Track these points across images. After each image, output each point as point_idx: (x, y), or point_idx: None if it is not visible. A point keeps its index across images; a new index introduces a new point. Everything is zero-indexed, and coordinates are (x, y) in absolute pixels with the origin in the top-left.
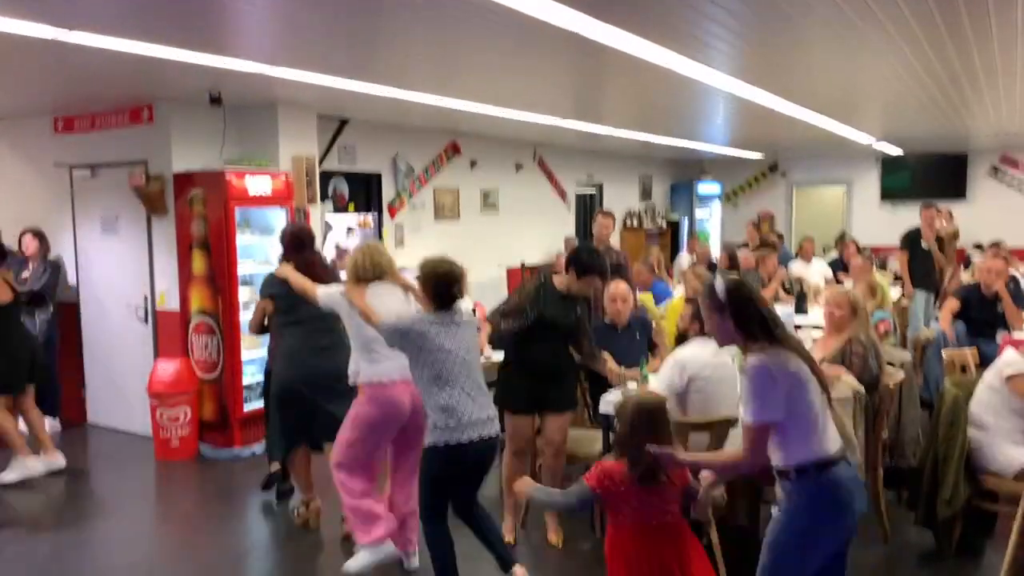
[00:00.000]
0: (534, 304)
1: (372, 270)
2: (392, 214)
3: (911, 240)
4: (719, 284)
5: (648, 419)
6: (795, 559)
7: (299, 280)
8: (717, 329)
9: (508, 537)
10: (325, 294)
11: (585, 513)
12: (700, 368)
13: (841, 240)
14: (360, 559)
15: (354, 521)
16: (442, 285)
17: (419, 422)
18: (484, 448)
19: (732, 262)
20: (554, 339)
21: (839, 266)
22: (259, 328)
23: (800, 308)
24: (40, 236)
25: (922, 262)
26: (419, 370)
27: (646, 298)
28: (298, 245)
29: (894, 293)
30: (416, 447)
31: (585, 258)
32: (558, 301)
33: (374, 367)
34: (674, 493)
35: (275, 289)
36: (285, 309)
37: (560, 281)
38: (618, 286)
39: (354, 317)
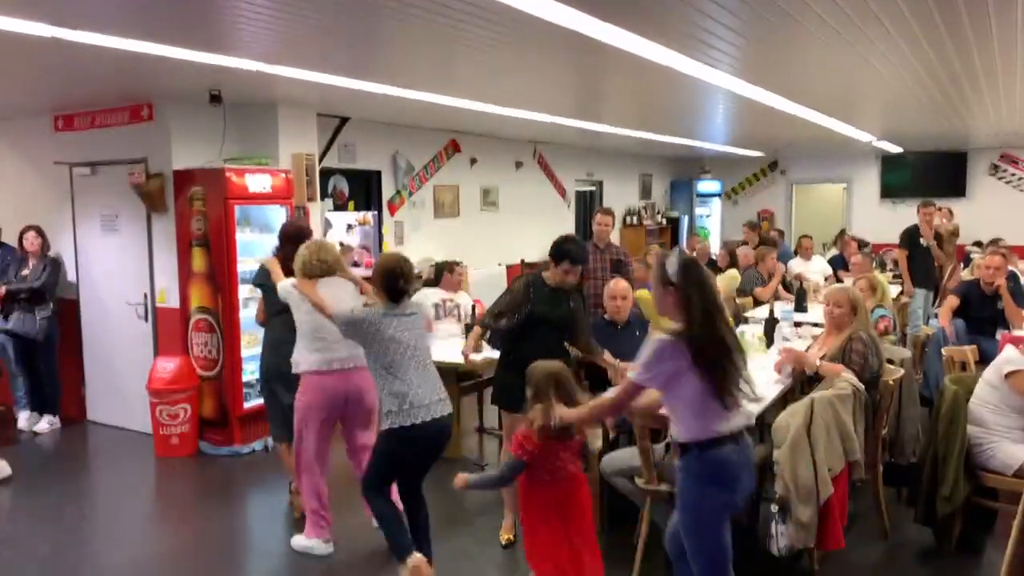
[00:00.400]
0: (524, 300)
1: (319, 267)
2: (392, 211)
3: (910, 238)
4: (672, 261)
5: (554, 382)
6: (706, 533)
7: (275, 272)
8: (659, 301)
9: (507, 535)
10: (280, 286)
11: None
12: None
13: (841, 237)
14: (303, 543)
15: (309, 516)
16: (391, 279)
17: (357, 412)
18: (436, 428)
19: (732, 259)
20: (547, 335)
21: (839, 263)
22: (263, 318)
23: (800, 306)
24: (41, 234)
25: (921, 260)
26: (372, 359)
27: (642, 295)
28: (295, 240)
29: (893, 291)
30: (361, 436)
31: (560, 244)
32: (548, 296)
33: (313, 356)
34: (576, 447)
35: (262, 279)
36: (272, 299)
37: (549, 275)
38: (617, 283)
39: (301, 309)
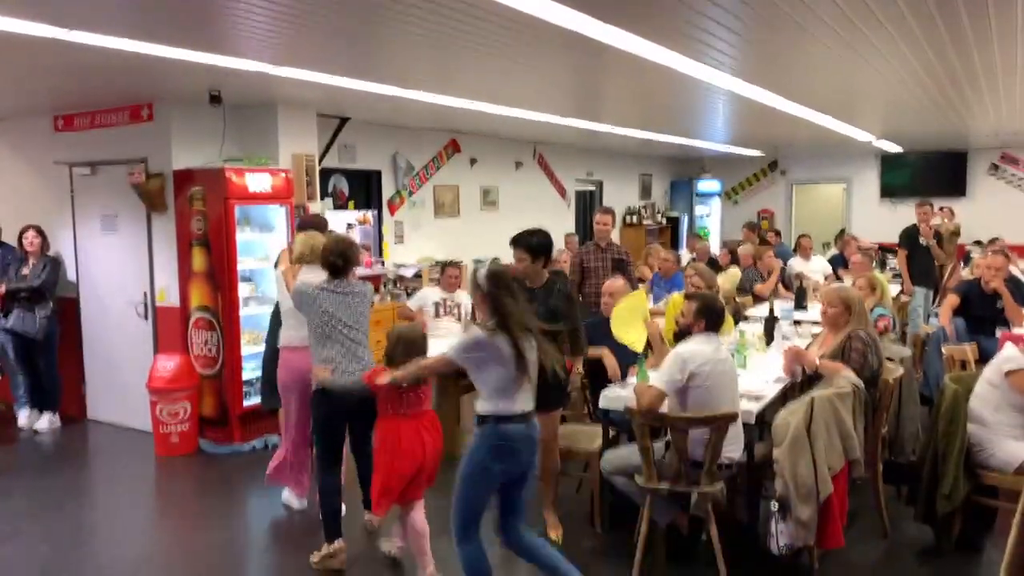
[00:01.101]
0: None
1: (309, 254)
2: (392, 211)
3: (909, 238)
4: (481, 273)
5: (406, 343)
6: (470, 488)
7: (283, 260)
8: (478, 305)
9: (553, 534)
10: (277, 271)
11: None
12: (701, 364)
13: (840, 237)
14: (289, 499)
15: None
16: (328, 256)
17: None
18: (359, 388)
19: (734, 257)
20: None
21: (839, 262)
22: None
23: (800, 305)
24: (40, 233)
25: (920, 259)
26: (310, 329)
27: (675, 299)
28: (311, 228)
29: (893, 290)
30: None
31: (517, 234)
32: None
33: (288, 332)
34: (427, 390)
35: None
36: None
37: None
38: (613, 282)
39: (282, 291)
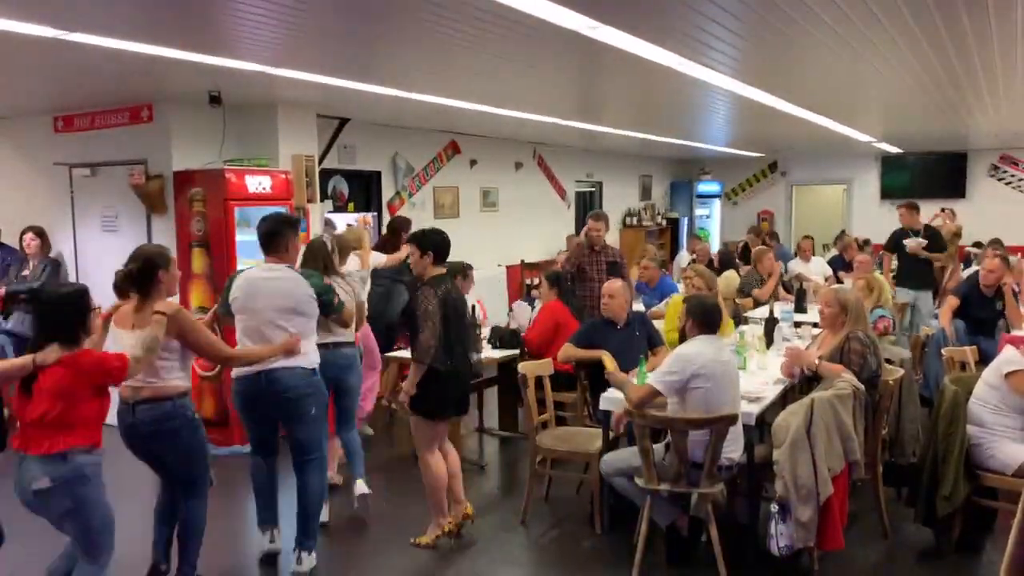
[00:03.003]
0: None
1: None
2: (392, 212)
3: (896, 241)
4: None
5: None
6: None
7: None
8: None
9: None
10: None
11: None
12: (702, 366)
13: (840, 238)
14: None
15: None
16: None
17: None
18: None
19: (724, 259)
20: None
21: (839, 263)
22: None
23: (799, 306)
24: (41, 234)
25: (908, 262)
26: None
27: (676, 300)
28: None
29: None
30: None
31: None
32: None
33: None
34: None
35: None
36: None
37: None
38: (613, 283)
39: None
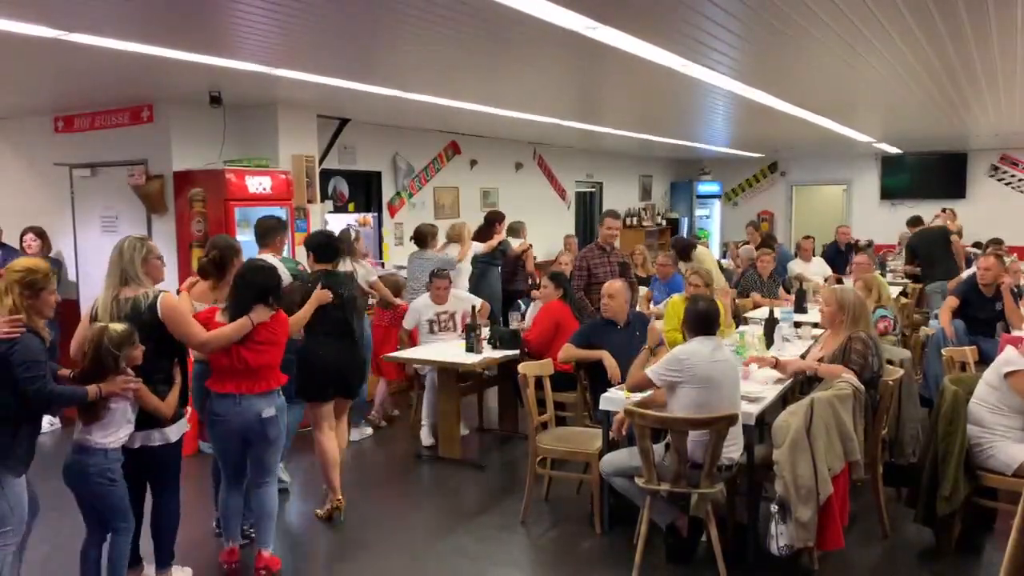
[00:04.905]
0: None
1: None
2: (392, 213)
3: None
4: None
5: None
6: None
7: None
8: None
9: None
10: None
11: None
12: (694, 366)
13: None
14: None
15: None
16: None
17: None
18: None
19: (679, 245)
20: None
21: (833, 252)
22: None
23: (800, 306)
24: (42, 235)
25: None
26: None
27: (675, 301)
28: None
29: (893, 291)
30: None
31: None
32: None
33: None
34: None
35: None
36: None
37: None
38: (613, 283)
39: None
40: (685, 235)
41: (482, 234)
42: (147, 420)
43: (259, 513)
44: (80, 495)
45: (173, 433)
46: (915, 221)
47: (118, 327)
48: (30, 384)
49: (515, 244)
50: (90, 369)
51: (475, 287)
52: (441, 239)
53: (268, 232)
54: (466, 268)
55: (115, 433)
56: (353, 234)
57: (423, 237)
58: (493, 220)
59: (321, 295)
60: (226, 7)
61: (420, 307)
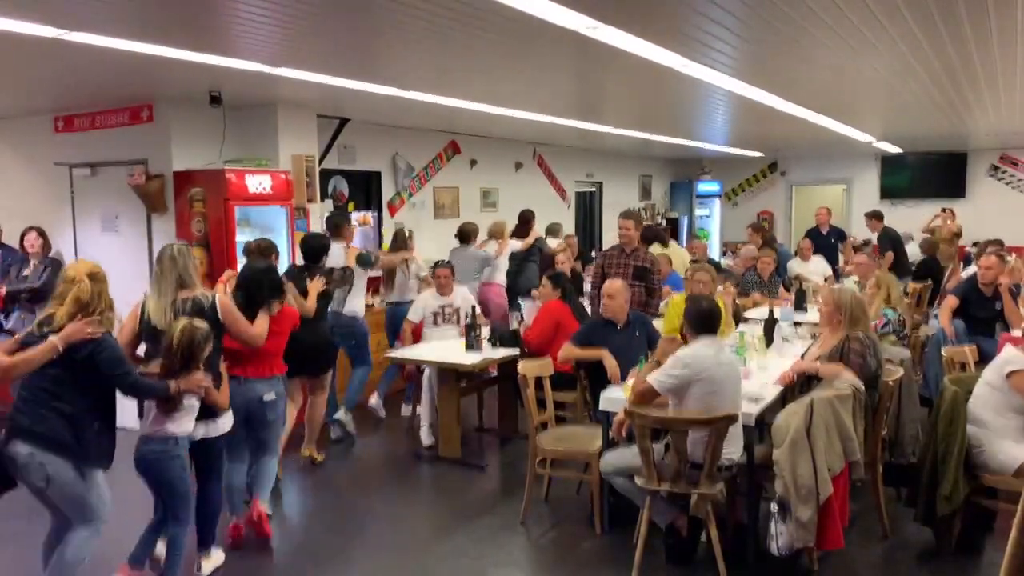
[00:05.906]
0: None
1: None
2: (392, 213)
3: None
4: None
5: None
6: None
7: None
8: None
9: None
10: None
11: None
12: (702, 369)
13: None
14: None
15: None
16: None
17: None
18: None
19: (649, 234)
20: None
21: (813, 235)
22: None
23: (800, 306)
24: (42, 234)
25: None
26: None
27: (676, 300)
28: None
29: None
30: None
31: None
32: None
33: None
34: None
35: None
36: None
37: None
38: (612, 282)
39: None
40: (685, 235)
41: (518, 232)
42: (202, 412)
43: (257, 474)
44: (157, 483)
45: (225, 424)
46: (879, 215)
47: (202, 325)
48: (123, 380)
49: (553, 244)
50: (180, 364)
51: (513, 282)
52: (482, 236)
53: (338, 227)
54: (503, 264)
55: (187, 423)
56: (406, 231)
57: (467, 235)
58: (527, 219)
59: (318, 284)
60: (226, 6)
61: (425, 299)
